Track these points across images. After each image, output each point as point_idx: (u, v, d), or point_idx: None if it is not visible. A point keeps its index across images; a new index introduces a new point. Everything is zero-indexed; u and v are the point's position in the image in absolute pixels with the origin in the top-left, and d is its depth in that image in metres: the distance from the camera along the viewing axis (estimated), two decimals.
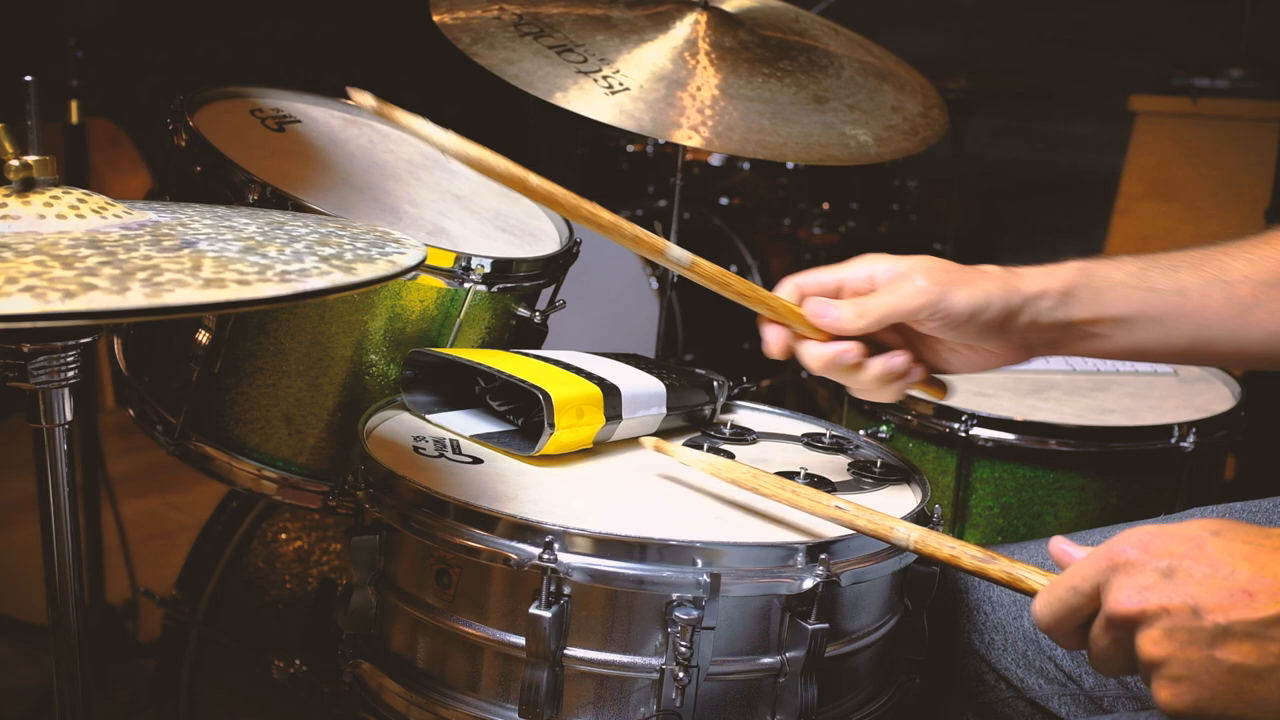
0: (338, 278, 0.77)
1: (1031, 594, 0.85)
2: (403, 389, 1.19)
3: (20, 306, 0.66)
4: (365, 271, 0.80)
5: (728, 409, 1.33)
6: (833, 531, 0.97)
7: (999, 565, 0.88)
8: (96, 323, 0.79)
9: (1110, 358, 1.02)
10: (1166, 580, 0.74)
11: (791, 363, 1.05)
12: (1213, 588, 0.73)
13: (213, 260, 0.77)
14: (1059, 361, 1.69)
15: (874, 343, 1.00)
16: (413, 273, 0.86)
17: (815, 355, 1.00)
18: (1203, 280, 0.96)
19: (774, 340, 1.02)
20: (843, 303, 0.99)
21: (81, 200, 0.86)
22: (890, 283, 0.98)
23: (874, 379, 1.00)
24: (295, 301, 0.77)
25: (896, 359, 1.00)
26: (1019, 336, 0.98)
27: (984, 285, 0.96)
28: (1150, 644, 0.74)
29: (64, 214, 0.84)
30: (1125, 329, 0.97)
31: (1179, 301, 0.96)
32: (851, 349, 0.99)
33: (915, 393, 1.10)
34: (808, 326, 1.00)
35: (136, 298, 0.69)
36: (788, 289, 1.01)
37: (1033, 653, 1.13)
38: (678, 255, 0.97)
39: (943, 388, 1.08)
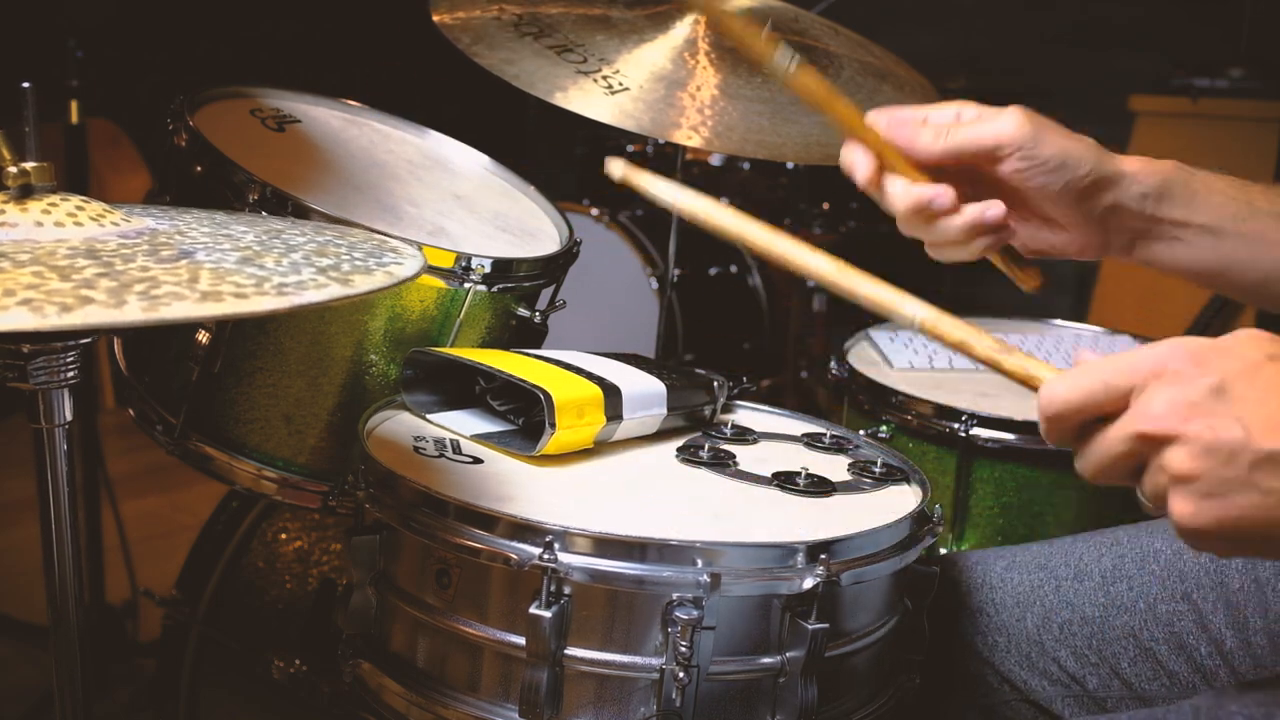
0: (334, 290, 0.78)
1: None
2: (403, 389, 1.19)
3: (18, 320, 0.66)
4: (362, 283, 0.80)
5: (728, 409, 1.33)
6: (834, 530, 0.97)
7: (1014, 358, 0.80)
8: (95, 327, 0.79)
9: (1186, 274, 0.96)
10: (1216, 399, 0.69)
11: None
12: (1265, 414, 0.68)
13: (210, 272, 0.77)
14: (1060, 361, 1.69)
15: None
16: None
17: (901, 194, 0.93)
18: None
19: (861, 165, 0.95)
20: (926, 127, 0.92)
21: (79, 208, 0.86)
22: (981, 117, 0.93)
23: (963, 228, 0.93)
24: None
25: (993, 209, 0.92)
26: (1100, 217, 0.93)
27: (1079, 145, 0.92)
28: (1185, 458, 0.69)
29: (61, 221, 0.84)
30: (1212, 240, 0.92)
31: (1275, 225, 0.92)
32: (945, 193, 0.92)
33: (1002, 269, 1.00)
34: (894, 155, 0.93)
35: (133, 311, 0.69)
36: (876, 113, 0.95)
37: (1036, 654, 1.13)
38: (782, 62, 0.90)
39: (1035, 272, 1.00)
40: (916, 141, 0.92)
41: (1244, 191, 0.93)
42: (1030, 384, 0.80)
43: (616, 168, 0.88)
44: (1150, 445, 0.71)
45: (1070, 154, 0.91)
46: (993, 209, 0.93)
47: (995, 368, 0.81)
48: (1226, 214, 0.92)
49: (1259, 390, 0.69)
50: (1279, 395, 0.69)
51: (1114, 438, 0.73)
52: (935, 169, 0.95)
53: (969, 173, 0.95)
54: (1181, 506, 0.70)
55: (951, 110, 0.95)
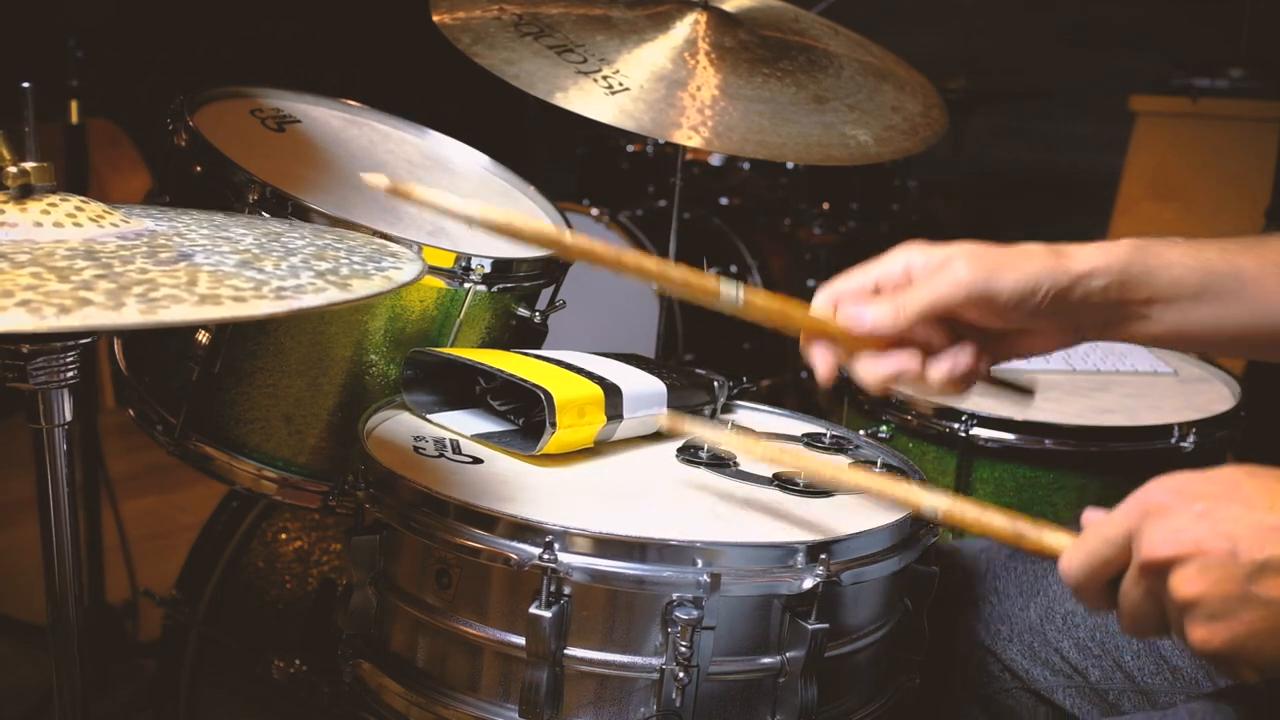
0: (333, 294, 0.78)
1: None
2: (403, 388, 1.19)
3: (16, 322, 0.66)
4: (361, 288, 0.80)
5: (728, 409, 1.33)
6: (834, 530, 0.97)
7: (1033, 533, 0.84)
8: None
9: (1160, 343, 0.98)
10: (1201, 521, 0.72)
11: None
12: (1249, 525, 0.71)
13: (209, 275, 0.77)
14: (1059, 360, 1.69)
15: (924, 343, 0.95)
16: None
17: (871, 373, 0.95)
18: (1260, 264, 0.93)
19: (821, 364, 0.96)
20: (878, 303, 0.94)
21: (79, 208, 0.86)
22: (928, 274, 0.93)
23: (940, 385, 0.95)
24: None
25: (960, 360, 0.94)
26: (1069, 318, 0.94)
27: (1030, 267, 0.91)
28: (1184, 583, 0.72)
29: (61, 222, 0.84)
30: (1177, 311, 0.94)
31: (1235, 285, 0.93)
32: (909, 363, 0.94)
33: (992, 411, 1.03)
34: (851, 339, 0.95)
35: (131, 314, 0.69)
36: (823, 299, 0.96)
37: (1038, 644, 1.13)
38: (729, 295, 0.93)
39: (1028, 383, 1.03)
40: (880, 326, 0.93)
41: (1199, 257, 0.94)
42: (1047, 554, 0.84)
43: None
44: (1156, 580, 0.74)
45: (1024, 285, 0.91)
46: (960, 361, 0.95)
47: (1018, 545, 0.86)
48: (1187, 285, 0.94)
49: (1240, 505, 0.72)
50: (1261, 506, 0.72)
51: (1129, 584, 0.77)
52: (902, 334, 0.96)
53: (936, 319, 0.96)
54: (1196, 633, 0.73)
55: (899, 265, 0.95)
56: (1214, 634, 0.72)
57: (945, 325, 0.95)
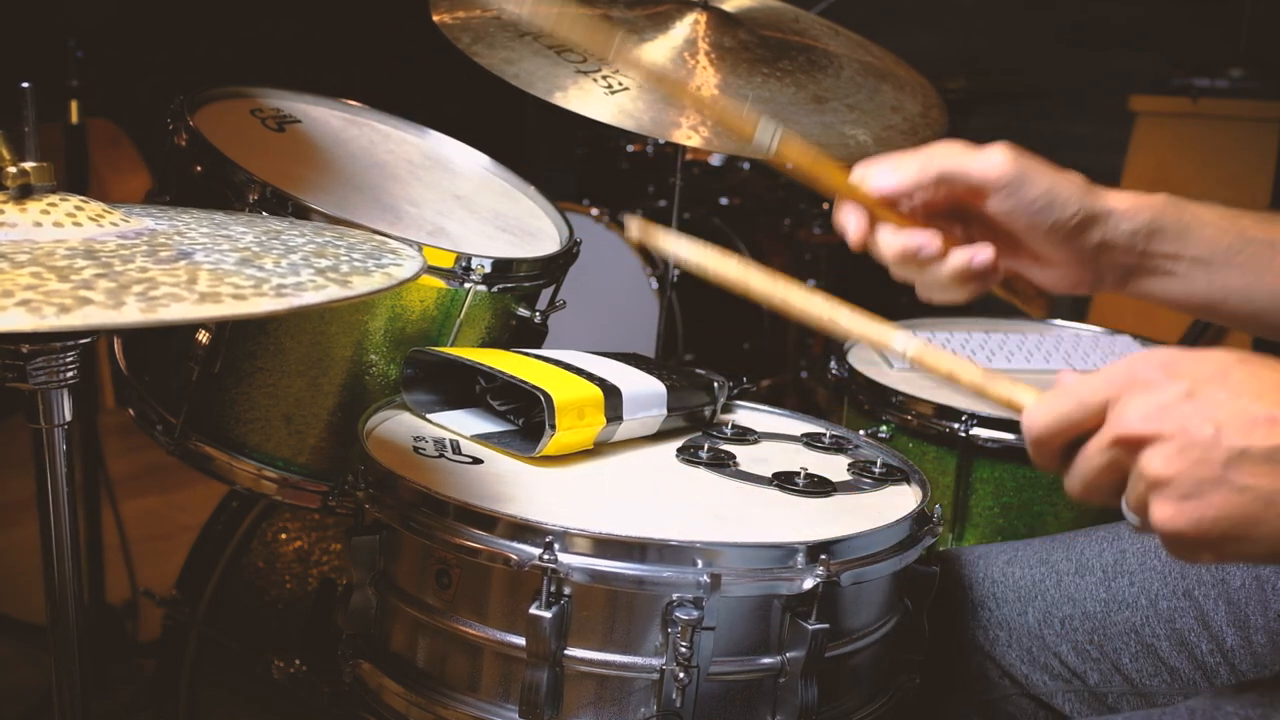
0: (333, 291, 0.78)
1: None
2: (403, 388, 1.19)
3: (15, 321, 0.66)
4: (361, 285, 0.80)
5: (728, 409, 1.33)
6: (834, 530, 0.97)
7: (999, 385, 0.82)
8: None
9: (1182, 306, 0.96)
10: (1187, 401, 0.70)
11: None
12: (1234, 412, 0.69)
13: (209, 273, 0.77)
14: (1059, 361, 1.69)
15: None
16: None
17: (889, 242, 0.93)
18: None
19: (851, 224, 0.94)
20: (905, 157, 0.92)
21: (78, 208, 0.86)
22: (967, 151, 0.92)
23: (951, 274, 0.93)
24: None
25: (981, 254, 0.93)
26: (1090, 254, 0.92)
27: (1067, 184, 0.91)
28: (1160, 460, 0.70)
29: (60, 222, 0.84)
30: (1206, 271, 0.92)
31: (1269, 254, 0.91)
32: (931, 239, 0.92)
33: (1008, 299, 1.01)
34: (883, 208, 0.93)
35: (132, 313, 0.69)
36: (861, 168, 0.95)
37: (1037, 649, 1.13)
38: (763, 139, 0.92)
39: (1041, 300, 1.01)
40: (898, 174, 0.92)
41: (1235, 222, 0.93)
42: (1016, 408, 0.81)
43: (634, 228, 0.90)
44: (1127, 451, 0.72)
45: (1057, 194, 0.90)
46: (980, 254, 0.93)
47: (981, 394, 0.83)
48: (1219, 246, 0.92)
49: (1229, 390, 0.70)
50: (1249, 394, 0.70)
51: (1093, 449, 0.74)
52: (926, 212, 0.95)
53: (959, 212, 0.95)
54: (1161, 511, 0.71)
55: (940, 147, 0.94)
56: (1180, 513, 0.70)
57: (966, 227, 0.94)
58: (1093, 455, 0.74)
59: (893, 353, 0.87)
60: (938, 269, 0.93)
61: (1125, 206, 0.91)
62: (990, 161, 0.91)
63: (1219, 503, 0.69)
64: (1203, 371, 0.72)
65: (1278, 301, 0.93)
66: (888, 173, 0.93)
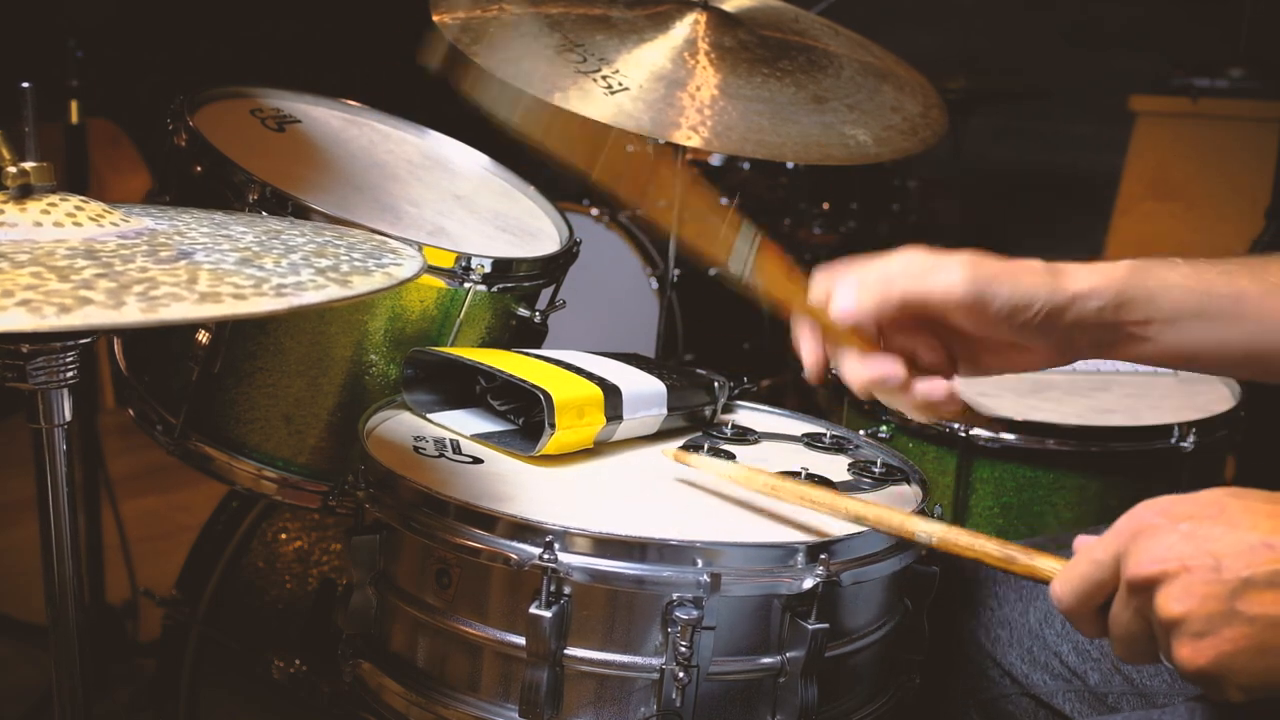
0: (333, 291, 0.78)
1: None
2: (404, 388, 1.19)
3: (16, 321, 0.66)
4: (361, 284, 0.80)
5: (728, 409, 1.33)
6: (834, 531, 0.97)
7: (1023, 559, 0.85)
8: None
9: (1158, 363, 0.98)
10: (1187, 540, 0.73)
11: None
12: (1233, 543, 0.72)
13: (209, 273, 0.77)
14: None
15: (911, 357, 0.96)
16: None
17: (856, 374, 0.95)
18: (1262, 287, 0.92)
19: (809, 358, 0.97)
20: (865, 285, 0.92)
21: (79, 208, 0.86)
22: (925, 270, 0.92)
23: (917, 406, 0.96)
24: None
25: (936, 389, 0.95)
26: (1062, 336, 0.93)
27: (1027, 281, 0.91)
28: (1170, 602, 0.72)
29: (61, 221, 0.84)
30: (1177, 331, 0.93)
31: (1236, 306, 0.92)
32: (893, 374, 0.94)
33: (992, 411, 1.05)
34: (839, 332, 0.94)
35: (132, 312, 0.69)
36: (820, 283, 0.95)
37: (1038, 649, 1.13)
38: (739, 257, 0.94)
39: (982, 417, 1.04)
40: (860, 303, 0.92)
41: (1201, 278, 0.93)
42: (1041, 578, 0.84)
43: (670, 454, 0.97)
44: (1144, 597, 0.75)
45: (1018, 298, 0.91)
46: (936, 389, 0.95)
47: (1008, 570, 0.87)
48: (1186, 306, 0.93)
49: (1224, 525, 0.73)
50: (1245, 526, 0.72)
51: (1118, 606, 0.77)
52: (892, 328, 0.96)
53: (925, 324, 0.95)
54: (1182, 653, 0.73)
55: (899, 262, 0.94)
56: (1199, 652, 0.72)
57: (934, 335, 0.95)
58: (1119, 611, 0.77)
59: (918, 539, 0.92)
60: (902, 398, 0.95)
61: (1090, 286, 0.92)
62: (948, 282, 0.91)
63: (1234, 637, 0.71)
64: (1200, 511, 0.74)
65: (1247, 352, 0.94)
66: (849, 300, 0.93)
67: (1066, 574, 0.80)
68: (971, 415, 1.02)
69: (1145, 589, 0.74)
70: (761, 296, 0.96)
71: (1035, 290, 0.91)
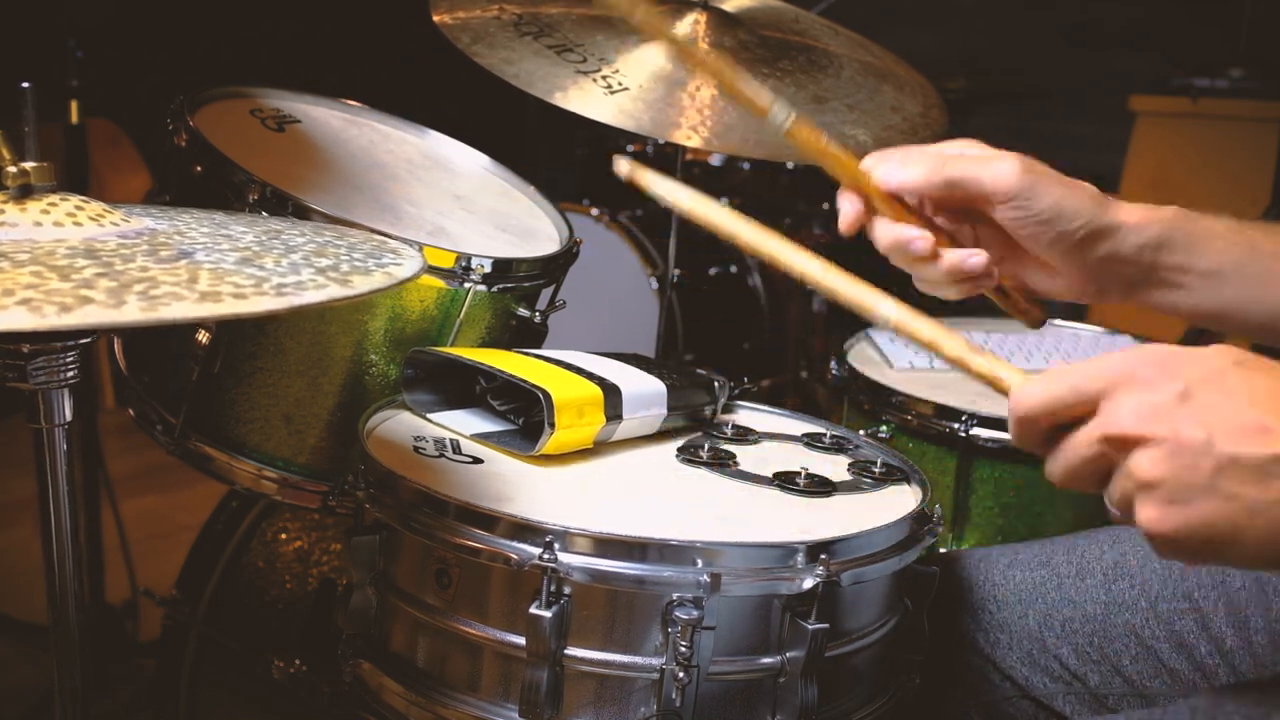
0: (334, 290, 0.78)
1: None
2: (404, 388, 1.19)
3: (16, 321, 0.66)
4: (361, 284, 0.80)
5: (728, 409, 1.33)
6: (834, 530, 0.97)
7: (981, 359, 0.81)
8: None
9: (1186, 316, 0.96)
10: (1180, 404, 0.70)
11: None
12: (1227, 418, 0.69)
13: (209, 272, 0.77)
14: (1059, 360, 1.69)
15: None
16: None
17: (881, 234, 0.93)
18: None
19: (846, 212, 0.94)
20: (916, 158, 0.91)
21: (79, 207, 0.86)
22: (980, 157, 0.92)
23: (944, 274, 0.93)
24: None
25: (974, 259, 0.93)
26: (1097, 266, 0.92)
27: (1078, 196, 0.90)
28: (1149, 463, 0.70)
29: (61, 221, 0.84)
30: (1214, 284, 0.92)
31: (1277, 266, 0.91)
32: (922, 238, 0.92)
33: (1002, 306, 1.01)
34: (885, 200, 0.93)
35: (132, 312, 0.69)
36: (872, 157, 0.94)
37: (1037, 651, 1.13)
38: (778, 116, 0.91)
39: (1036, 309, 1.00)
40: (908, 171, 0.91)
41: (1245, 235, 0.92)
42: (996, 385, 0.81)
43: (623, 165, 0.90)
44: (1116, 449, 0.72)
45: (1065, 207, 0.90)
46: (972, 259, 0.93)
47: (963, 368, 0.82)
48: (1228, 259, 0.92)
49: (1223, 395, 0.70)
50: (1243, 400, 0.70)
51: (1081, 441, 0.74)
52: (933, 209, 0.95)
53: (966, 212, 0.95)
54: (1147, 513, 0.71)
55: (957, 148, 0.94)
56: (1166, 517, 0.70)
57: (975, 226, 0.94)
58: (1080, 445, 0.74)
59: (877, 318, 0.85)
60: (930, 266, 0.94)
61: (1135, 220, 0.91)
62: (1000, 171, 0.90)
63: (1205, 510, 0.69)
64: (1199, 372, 0.71)
65: None
66: (897, 168, 0.92)
67: (1038, 385, 0.76)
68: (1010, 292, 0.99)
69: (1123, 442, 0.71)
70: (802, 153, 0.93)
71: (1081, 206, 0.90)
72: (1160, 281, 0.93)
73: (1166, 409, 0.70)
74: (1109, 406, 0.72)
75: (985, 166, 0.91)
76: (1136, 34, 3.87)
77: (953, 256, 0.93)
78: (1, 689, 2.10)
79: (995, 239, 0.95)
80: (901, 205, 0.94)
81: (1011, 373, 0.80)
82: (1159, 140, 3.52)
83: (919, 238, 0.92)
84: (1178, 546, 0.71)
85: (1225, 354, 0.72)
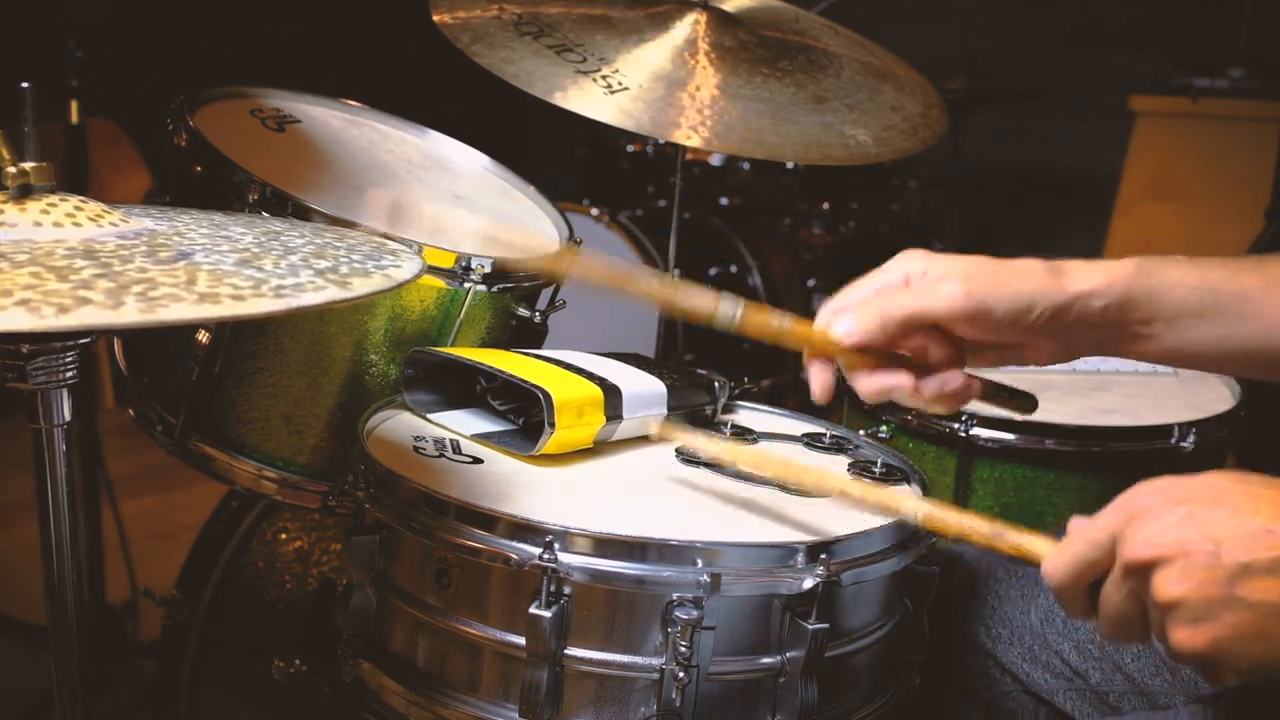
0: (332, 293, 0.78)
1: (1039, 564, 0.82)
2: (404, 388, 1.19)
3: (14, 321, 0.66)
4: (360, 286, 0.80)
5: (728, 409, 1.33)
6: (834, 530, 0.97)
7: (1007, 539, 0.84)
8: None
9: (1161, 361, 0.97)
10: (1186, 523, 0.72)
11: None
12: (1233, 528, 0.71)
13: (208, 274, 0.77)
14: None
15: (918, 360, 0.96)
16: None
17: (864, 388, 0.96)
18: (1265, 284, 0.92)
19: (817, 382, 0.97)
20: (863, 310, 0.93)
21: (78, 208, 0.86)
22: (922, 286, 0.93)
23: (930, 402, 0.96)
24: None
25: (952, 383, 0.95)
26: (1065, 335, 0.93)
27: (1026, 285, 0.91)
28: (1167, 584, 0.71)
29: (60, 222, 0.84)
30: (1179, 330, 0.93)
31: (1240, 305, 0.92)
32: (902, 380, 0.95)
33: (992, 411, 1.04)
34: (852, 355, 0.95)
35: (131, 313, 0.69)
36: (824, 314, 0.96)
37: (1039, 648, 1.13)
38: (726, 314, 0.95)
39: (1025, 400, 1.04)
40: (858, 328, 0.93)
41: (1205, 278, 0.93)
42: (1030, 559, 0.84)
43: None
44: (1139, 581, 0.74)
45: (1019, 305, 0.90)
46: (951, 383, 0.95)
47: (994, 549, 0.86)
48: (1190, 305, 0.92)
49: (1226, 509, 0.72)
50: (1247, 511, 0.72)
51: (1111, 586, 0.77)
52: (900, 344, 0.96)
53: (928, 330, 0.95)
54: (1178, 635, 0.72)
55: (898, 274, 0.95)
56: (1195, 636, 0.71)
57: (941, 336, 0.95)
58: (1111, 591, 0.76)
59: (905, 514, 0.92)
60: (916, 399, 0.96)
61: (1092, 286, 0.91)
62: (947, 296, 0.91)
63: (1231, 622, 0.70)
64: (1200, 494, 0.74)
65: (1250, 350, 0.93)
66: (852, 324, 0.93)
67: (1060, 552, 0.79)
68: (996, 391, 1.01)
69: (1142, 571, 0.73)
70: (758, 338, 0.97)
71: (1036, 294, 0.91)
72: (1130, 336, 0.94)
73: (1173, 529, 0.72)
74: (1123, 544, 0.75)
75: (932, 296, 0.92)
76: (1136, 34, 3.87)
77: (932, 385, 0.95)
78: (1, 689, 2.10)
79: (963, 342, 0.96)
80: (869, 353, 0.95)
81: (1039, 544, 0.83)
82: (1159, 140, 3.52)
83: (897, 386, 0.95)
84: (1217, 665, 0.72)
85: (1224, 475, 0.75)
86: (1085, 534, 0.78)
